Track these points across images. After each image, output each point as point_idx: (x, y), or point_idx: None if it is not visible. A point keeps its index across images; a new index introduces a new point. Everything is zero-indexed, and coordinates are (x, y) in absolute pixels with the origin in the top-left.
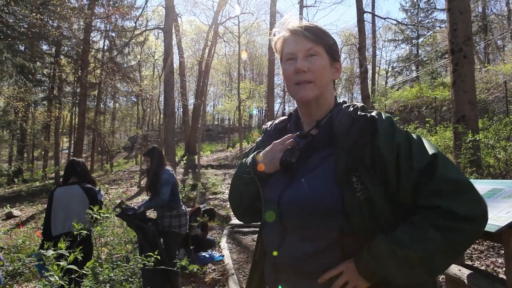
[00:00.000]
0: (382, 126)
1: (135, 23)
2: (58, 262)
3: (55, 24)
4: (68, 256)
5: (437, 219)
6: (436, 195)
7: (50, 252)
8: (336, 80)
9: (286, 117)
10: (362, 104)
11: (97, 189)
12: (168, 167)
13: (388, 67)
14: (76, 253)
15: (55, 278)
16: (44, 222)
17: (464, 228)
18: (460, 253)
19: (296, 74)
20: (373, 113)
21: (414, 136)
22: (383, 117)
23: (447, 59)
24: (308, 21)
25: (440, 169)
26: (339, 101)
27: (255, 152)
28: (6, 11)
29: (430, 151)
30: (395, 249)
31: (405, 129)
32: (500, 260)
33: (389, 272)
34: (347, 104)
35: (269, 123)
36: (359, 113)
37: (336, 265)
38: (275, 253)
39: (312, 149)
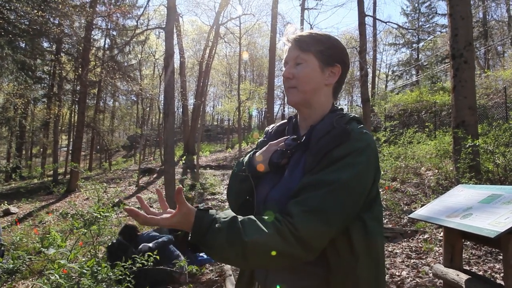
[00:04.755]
0: (353, 140)
1: (137, 22)
2: (59, 261)
3: (56, 22)
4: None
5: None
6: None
7: (52, 251)
8: (340, 85)
9: (286, 120)
10: (354, 115)
11: None
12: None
13: (388, 71)
14: (77, 251)
15: (55, 276)
16: None
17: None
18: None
19: (284, 80)
20: (353, 127)
21: (360, 172)
22: (362, 135)
23: (447, 64)
24: (310, 23)
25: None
26: (337, 107)
27: (251, 151)
28: (8, 7)
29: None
30: (231, 242)
31: (404, 133)
32: (498, 266)
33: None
34: (341, 112)
35: (271, 125)
36: (340, 123)
37: (323, 260)
38: None
39: (301, 152)
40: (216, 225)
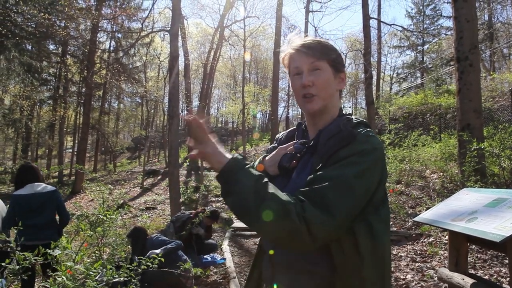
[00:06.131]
0: (359, 142)
1: (142, 24)
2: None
3: (63, 24)
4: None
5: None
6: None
7: (57, 252)
8: (342, 89)
9: (295, 126)
10: (361, 119)
11: None
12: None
13: (393, 74)
14: (82, 252)
15: (62, 278)
16: None
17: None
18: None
19: (302, 88)
20: (360, 130)
21: (363, 170)
22: (369, 138)
23: (452, 66)
24: (314, 25)
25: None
26: (344, 112)
27: (262, 156)
28: (15, 10)
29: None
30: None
31: (409, 136)
32: (504, 270)
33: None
34: (348, 116)
35: (282, 132)
36: (347, 126)
37: (326, 260)
38: (271, 252)
39: (309, 155)
40: (251, 170)
